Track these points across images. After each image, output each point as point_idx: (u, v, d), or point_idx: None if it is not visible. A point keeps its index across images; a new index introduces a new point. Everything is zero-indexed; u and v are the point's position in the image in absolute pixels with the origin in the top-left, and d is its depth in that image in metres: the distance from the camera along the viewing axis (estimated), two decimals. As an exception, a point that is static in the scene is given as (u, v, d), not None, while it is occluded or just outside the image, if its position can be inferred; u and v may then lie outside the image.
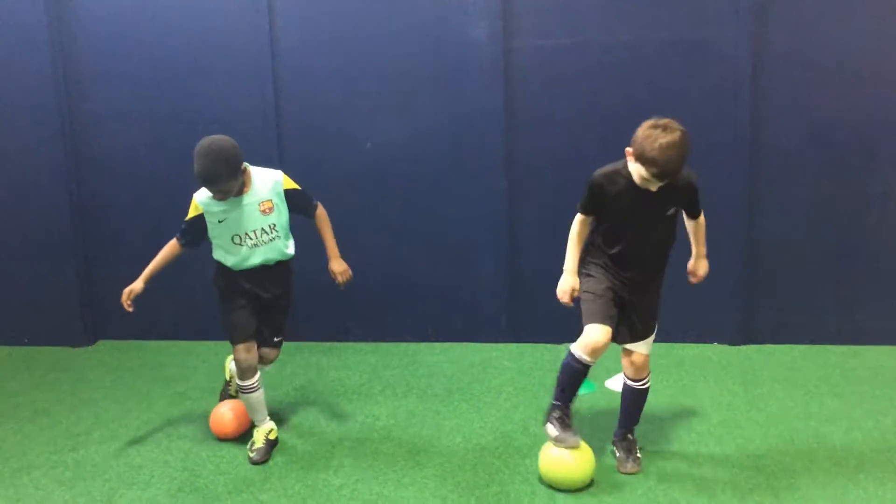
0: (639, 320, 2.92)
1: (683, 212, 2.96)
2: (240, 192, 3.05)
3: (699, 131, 3.96)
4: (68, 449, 3.32)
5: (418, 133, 4.21)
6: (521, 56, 4.05)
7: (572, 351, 2.82)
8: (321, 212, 3.29)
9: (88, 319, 4.60)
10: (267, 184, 3.12)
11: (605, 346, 2.82)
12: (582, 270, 2.95)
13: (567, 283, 2.91)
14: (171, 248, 3.19)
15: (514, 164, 4.16)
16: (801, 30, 3.87)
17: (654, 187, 2.73)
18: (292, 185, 3.18)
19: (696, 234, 3.04)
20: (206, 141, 2.95)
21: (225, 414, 3.36)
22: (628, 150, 2.73)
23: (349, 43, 4.16)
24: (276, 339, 3.32)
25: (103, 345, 4.61)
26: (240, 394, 3.28)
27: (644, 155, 2.63)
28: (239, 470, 3.11)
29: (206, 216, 3.11)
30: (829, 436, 3.19)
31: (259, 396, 3.24)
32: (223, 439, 3.33)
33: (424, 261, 4.35)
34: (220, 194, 3.00)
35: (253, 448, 3.20)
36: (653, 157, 2.62)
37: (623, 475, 2.95)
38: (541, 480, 2.92)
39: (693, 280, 3.10)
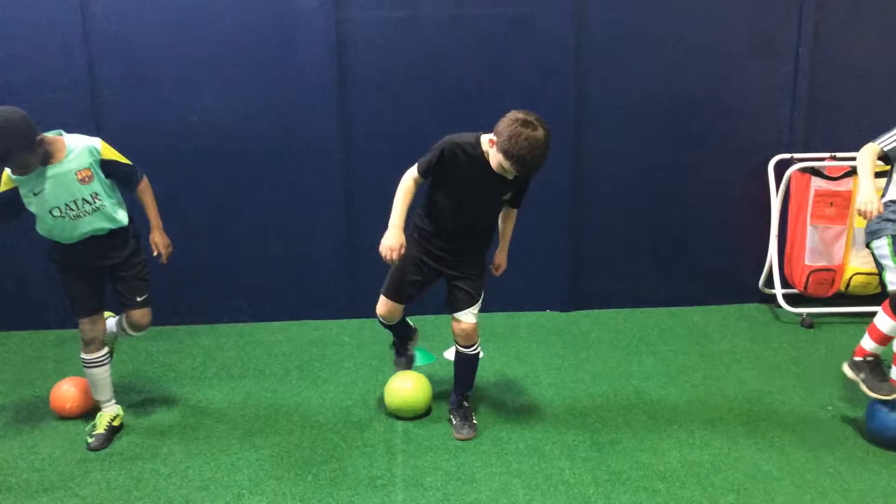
0: (463, 291, 2.99)
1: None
2: (46, 161, 2.83)
3: (527, 105, 4.01)
4: None
5: (248, 106, 4.04)
6: (353, 26, 3.98)
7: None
8: (144, 184, 3.13)
9: None
10: (83, 152, 2.90)
11: (394, 312, 3.10)
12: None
13: (394, 239, 2.81)
14: None
15: (350, 138, 4.10)
16: (620, 7, 4.05)
17: (510, 176, 2.78)
18: (112, 154, 2.98)
19: (507, 224, 3.12)
20: None
21: (67, 389, 3.25)
22: (491, 138, 2.74)
23: (170, 11, 3.92)
24: (138, 300, 3.10)
25: None
26: (84, 368, 3.10)
27: (510, 151, 2.64)
28: (56, 465, 2.90)
29: (20, 189, 2.85)
30: (646, 391, 3.42)
31: (104, 373, 3.11)
32: (64, 417, 3.25)
33: (259, 238, 4.21)
34: (19, 169, 2.78)
35: (93, 433, 3.04)
36: (521, 156, 2.64)
37: (459, 441, 3.02)
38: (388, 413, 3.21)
39: (497, 273, 3.19)
